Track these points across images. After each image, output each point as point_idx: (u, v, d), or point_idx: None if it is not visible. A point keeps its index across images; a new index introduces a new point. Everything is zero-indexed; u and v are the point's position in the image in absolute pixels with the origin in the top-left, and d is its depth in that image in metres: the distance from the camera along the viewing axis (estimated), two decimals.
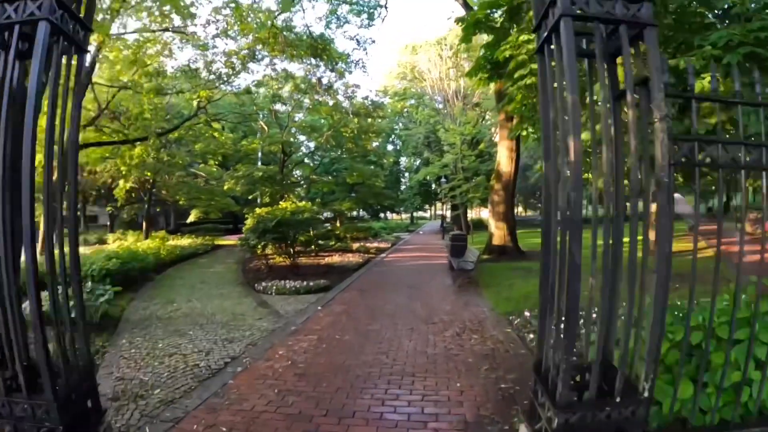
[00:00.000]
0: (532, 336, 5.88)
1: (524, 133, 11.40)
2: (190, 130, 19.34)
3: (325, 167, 36.08)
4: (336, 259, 15.63)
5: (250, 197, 26.72)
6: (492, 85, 41.23)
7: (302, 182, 30.95)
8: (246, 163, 26.67)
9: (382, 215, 53.55)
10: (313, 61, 22.15)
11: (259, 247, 13.14)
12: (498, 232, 16.73)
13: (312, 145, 31.50)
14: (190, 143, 23.97)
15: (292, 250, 13.89)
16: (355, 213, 44.31)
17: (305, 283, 10.30)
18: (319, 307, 8.32)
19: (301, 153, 31.55)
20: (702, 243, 17.77)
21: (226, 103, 26.30)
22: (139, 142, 19.58)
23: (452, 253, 13.59)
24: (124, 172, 20.79)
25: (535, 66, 9.12)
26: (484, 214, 55.45)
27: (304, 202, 15.64)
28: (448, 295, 9.36)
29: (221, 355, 5.59)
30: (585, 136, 3.68)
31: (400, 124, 49.86)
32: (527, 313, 6.89)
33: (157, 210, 39.19)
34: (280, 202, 15.30)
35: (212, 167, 28.56)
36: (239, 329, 6.85)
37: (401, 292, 9.88)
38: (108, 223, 38.79)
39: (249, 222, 13.65)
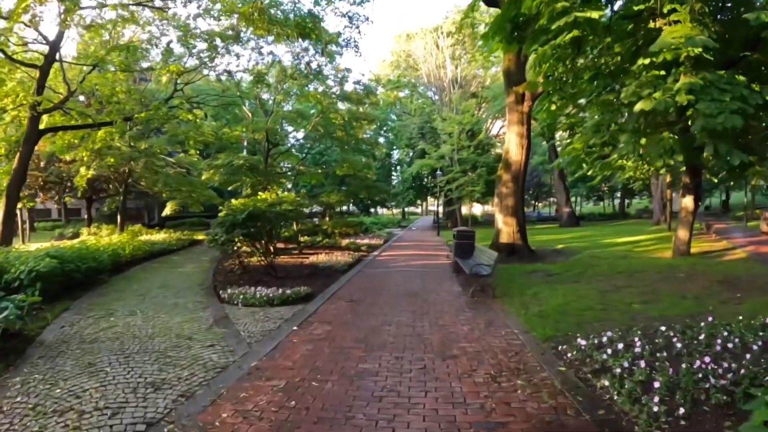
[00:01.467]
0: (606, 383, 3.93)
1: (552, 107, 9.47)
2: (159, 110, 17.10)
3: (313, 158, 33.97)
4: (322, 258, 13.61)
5: (230, 188, 24.54)
6: (490, 73, 39.56)
7: (289, 173, 28.78)
8: (229, 151, 24.45)
9: (372, 210, 51.62)
10: (301, 43, 20.17)
11: (230, 245, 10.93)
12: (506, 229, 14.77)
13: (300, 135, 29.40)
14: (164, 129, 21.77)
15: (271, 248, 11.83)
16: (344, 208, 42.37)
17: (281, 290, 8.21)
18: (295, 327, 6.28)
19: (288, 144, 29.38)
20: (724, 243, 16.06)
21: (207, 88, 24.22)
22: (105, 126, 17.44)
23: (458, 253, 11.67)
24: (86, 159, 18.57)
25: (580, 14, 7.18)
26: (477, 210, 53.99)
27: (286, 193, 13.56)
28: (462, 310, 7.34)
29: (133, 418, 3.58)
30: None
31: (393, 116, 48.00)
32: (582, 342, 4.95)
33: (138, 203, 37.19)
34: (260, 193, 13.11)
35: (193, 157, 26.40)
36: (177, 364, 4.83)
37: (402, 304, 7.86)
38: (85, 216, 36.69)
39: (221, 214, 11.48)
